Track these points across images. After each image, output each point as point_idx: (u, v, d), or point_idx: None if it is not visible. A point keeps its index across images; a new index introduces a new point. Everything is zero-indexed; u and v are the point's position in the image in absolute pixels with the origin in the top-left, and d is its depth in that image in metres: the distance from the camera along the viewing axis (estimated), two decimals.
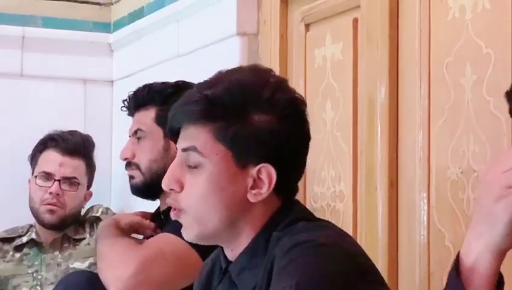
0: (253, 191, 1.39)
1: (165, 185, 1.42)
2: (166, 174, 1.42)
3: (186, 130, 1.41)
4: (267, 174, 1.38)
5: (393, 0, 1.95)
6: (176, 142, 1.44)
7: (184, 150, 1.41)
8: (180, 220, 1.42)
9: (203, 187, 1.38)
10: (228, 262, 1.44)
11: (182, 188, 1.40)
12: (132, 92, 2.23)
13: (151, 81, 2.28)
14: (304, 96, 2.24)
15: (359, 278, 1.29)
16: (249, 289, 1.39)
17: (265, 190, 1.39)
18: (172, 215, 1.43)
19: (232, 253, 1.43)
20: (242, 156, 1.38)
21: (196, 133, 1.39)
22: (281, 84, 1.44)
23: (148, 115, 2.17)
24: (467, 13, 1.74)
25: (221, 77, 1.43)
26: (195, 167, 1.39)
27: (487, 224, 1.08)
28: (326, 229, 1.38)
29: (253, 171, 1.38)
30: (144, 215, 2.12)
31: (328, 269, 1.27)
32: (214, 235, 1.41)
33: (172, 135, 1.44)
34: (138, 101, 2.19)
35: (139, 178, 2.15)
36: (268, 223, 1.40)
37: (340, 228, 1.47)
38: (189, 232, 1.42)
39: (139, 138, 2.17)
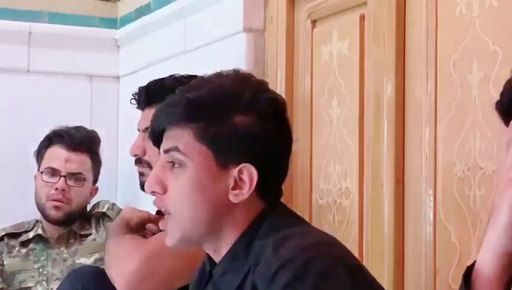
0: (235, 192, 1.40)
1: (147, 187, 1.44)
2: (148, 177, 1.44)
3: (168, 132, 1.43)
4: (248, 174, 1.39)
5: None
6: (158, 147, 1.46)
7: (166, 151, 1.43)
8: (166, 226, 1.43)
9: (184, 187, 1.40)
10: (213, 264, 1.45)
11: (165, 190, 1.42)
12: (144, 87, 2.20)
13: (157, 78, 2.27)
14: (310, 93, 2.27)
15: (352, 279, 1.29)
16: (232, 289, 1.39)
17: (246, 190, 1.40)
18: (161, 224, 1.45)
19: (215, 254, 1.44)
20: (222, 156, 1.39)
21: (178, 134, 1.41)
22: (261, 86, 1.46)
23: None
24: (474, 10, 1.74)
25: (203, 81, 1.46)
26: (178, 167, 1.41)
27: (492, 220, 1.07)
28: (308, 237, 1.36)
29: (235, 171, 1.39)
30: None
31: (322, 286, 1.26)
32: (195, 238, 1.42)
33: (155, 138, 1.46)
34: (150, 96, 2.16)
35: None
36: (250, 227, 1.41)
37: (322, 232, 1.46)
38: (171, 237, 1.43)
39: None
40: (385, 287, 1.88)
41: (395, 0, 1.95)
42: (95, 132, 2.93)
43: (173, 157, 1.41)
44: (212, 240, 1.43)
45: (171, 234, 1.43)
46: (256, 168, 1.39)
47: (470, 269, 1.10)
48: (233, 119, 1.40)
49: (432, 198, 1.83)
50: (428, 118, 1.85)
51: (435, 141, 1.83)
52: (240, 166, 1.39)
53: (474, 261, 1.10)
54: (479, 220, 1.69)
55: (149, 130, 1.48)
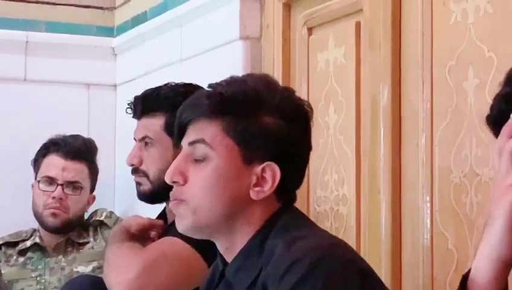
0: (256, 189, 1.41)
1: (168, 177, 1.44)
2: (169, 167, 1.45)
3: (195, 124, 1.44)
4: (271, 173, 1.41)
5: (395, 4, 1.95)
6: (180, 141, 1.47)
7: (191, 143, 1.44)
8: (177, 211, 1.44)
9: (208, 179, 1.41)
10: (225, 264, 1.46)
11: (185, 181, 1.43)
12: (140, 96, 2.20)
13: (153, 86, 2.26)
14: (306, 100, 2.27)
15: (363, 282, 1.30)
16: (244, 287, 1.40)
17: (267, 188, 1.41)
18: (171, 205, 1.45)
19: (227, 252, 1.45)
20: (248, 152, 1.41)
21: (205, 126, 1.43)
22: (290, 92, 1.50)
23: (156, 122, 2.14)
24: (469, 17, 1.74)
25: (234, 80, 1.48)
26: (202, 160, 1.42)
27: (487, 227, 1.07)
28: (320, 238, 1.39)
29: (258, 169, 1.41)
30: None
31: (333, 285, 1.27)
32: (208, 227, 1.43)
33: (180, 131, 1.46)
34: (146, 106, 2.16)
35: (147, 186, 2.13)
36: (265, 225, 1.42)
37: (334, 236, 1.48)
38: (184, 222, 1.43)
39: (146, 144, 2.15)
40: None
41: (391, 8, 1.95)
42: (92, 140, 2.93)
43: (198, 149, 1.42)
44: (225, 236, 1.43)
45: (184, 218, 1.43)
46: (279, 168, 1.41)
47: (465, 277, 1.10)
48: (262, 118, 1.42)
49: (428, 205, 1.83)
50: (425, 124, 1.85)
51: (431, 148, 1.83)
52: (264, 164, 1.41)
53: (470, 269, 1.10)
54: (475, 227, 1.70)
55: (175, 125, 1.48)
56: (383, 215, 1.94)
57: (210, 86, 1.48)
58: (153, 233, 2.01)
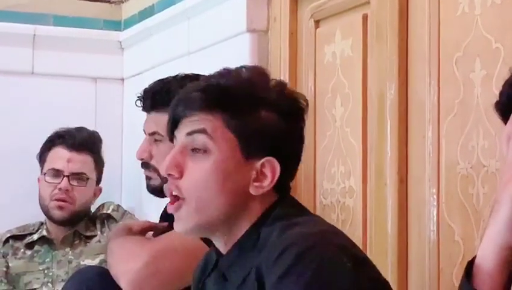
0: (256, 184, 1.40)
1: (163, 169, 1.41)
2: (165, 159, 1.41)
3: (192, 116, 1.40)
4: (270, 168, 1.40)
5: None
6: (172, 134, 1.44)
7: (190, 133, 1.40)
8: (179, 214, 1.41)
9: (207, 173, 1.38)
10: (219, 255, 1.45)
11: (181, 174, 1.40)
12: (149, 89, 2.19)
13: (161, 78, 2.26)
14: (313, 92, 2.28)
15: (355, 268, 1.29)
16: (239, 282, 1.39)
17: (267, 183, 1.40)
18: (171, 208, 1.42)
19: (224, 246, 1.43)
20: (249, 147, 1.40)
21: (205, 119, 1.39)
22: (284, 86, 1.48)
23: (166, 118, 2.12)
24: (476, 8, 1.74)
25: (229, 72, 1.45)
26: (201, 152, 1.39)
27: (494, 213, 1.07)
28: (314, 225, 1.38)
29: (258, 164, 1.40)
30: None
31: (324, 271, 1.26)
32: (211, 226, 1.41)
33: (174, 124, 1.43)
34: (156, 101, 2.14)
35: (157, 181, 2.13)
36: (260, 219, 1.40)
37: (328, 223, 1.46)
38: (187, 222, 1.40)
39: (156, 140, 2.14)
40: None
41: (398, 0, 1.95)
42: (96, 132, 2.94)
43: (197, 140, 1.39)
44: (224, 231, 1.41)
45: (186, 220, 1.40)
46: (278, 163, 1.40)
47: (471, 264, 1.10)
48: (261, 114, 1.41)
49: (435, 197, 1.83)
50: (431, 116, 1.85)
51: (438, 140, 1.83)
52: (263, 159, 1.40)
53: (475, 256, 1.10)
54: (482, 218, 1.69)
55: (168, 118, 1.45)
56: (390, 208, 1.94)
57: (203, 78, 1.46)
58: (150, 233, 2.00)
